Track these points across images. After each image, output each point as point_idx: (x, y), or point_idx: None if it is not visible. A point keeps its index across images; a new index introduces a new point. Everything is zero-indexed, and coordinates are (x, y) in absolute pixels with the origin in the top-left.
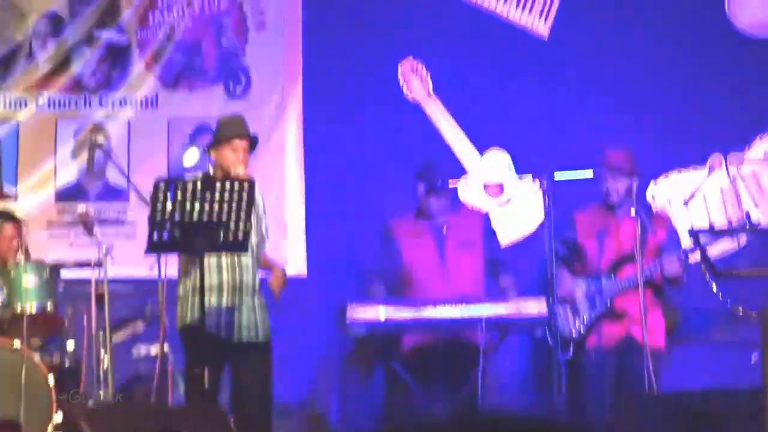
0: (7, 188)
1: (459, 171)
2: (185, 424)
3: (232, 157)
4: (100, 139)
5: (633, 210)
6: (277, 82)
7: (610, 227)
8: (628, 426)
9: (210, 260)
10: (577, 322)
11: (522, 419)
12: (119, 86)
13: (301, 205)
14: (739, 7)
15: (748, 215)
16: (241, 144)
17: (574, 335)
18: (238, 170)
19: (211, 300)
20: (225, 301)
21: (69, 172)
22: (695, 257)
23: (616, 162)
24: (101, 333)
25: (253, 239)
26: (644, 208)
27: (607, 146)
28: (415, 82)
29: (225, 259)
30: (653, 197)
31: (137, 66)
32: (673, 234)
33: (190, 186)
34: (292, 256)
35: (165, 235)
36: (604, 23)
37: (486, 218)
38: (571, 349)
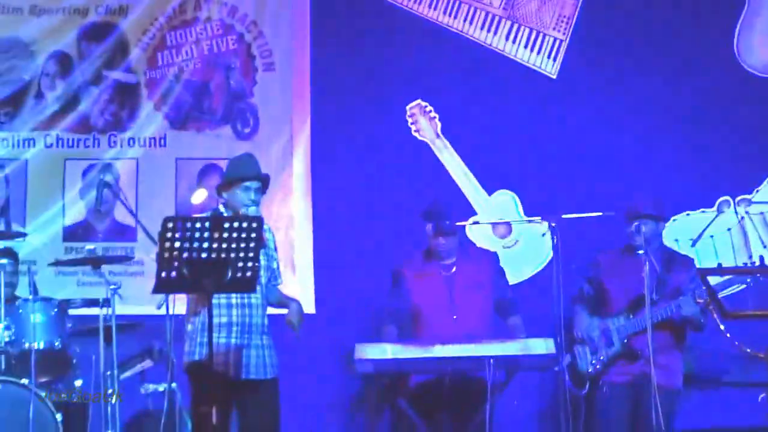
0: (16, 226)
1: (468, 211)
2: None
3: (244, 197)
4: (108, 178)
5: (642, 252)
6: (285, 123)
7: (631, 269)
8: None
9: (219, 299)
10: (593, 359)
11: None
12: (128, 126)
13: (309, 243)
14: (747, 47)
15: (762, 258)
16: (253, 184)
17: (590, 372)
18: (250, 211)
19: (219, 338)
20: (234, 339)
21: (77, 210)
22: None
23: (644, 207)
24: (109, 371)
25: (263, 278)
26: (667, 250)
27: (636, 191)
28: (424, 122)
29: (234, 298)
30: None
31: (146, 106)
32: (697, 274)
33: (198, 224)
34: (301, 295)
35: (173, 274)
36: (613, 64)
37: (495, 258)
38: (587, 385)
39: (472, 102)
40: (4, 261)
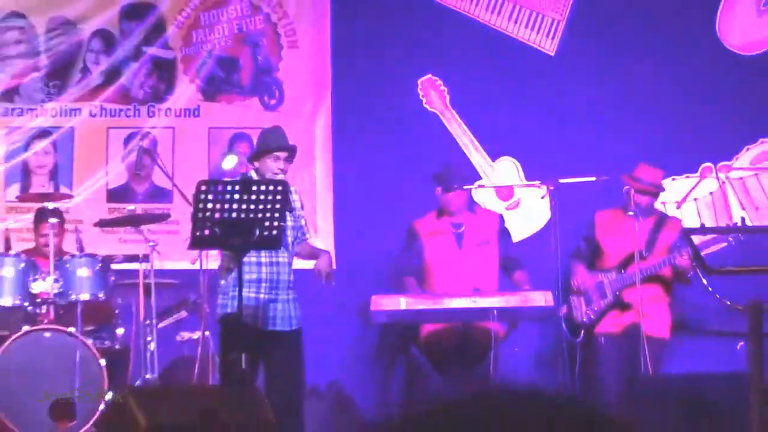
0: (64, 189)
1: (474, 176)
2: (223, 403)
3: (273, 166)
4: (147, 144)
5: (631, 213)
6: (307, 96)
7: (625, 229)
8: (631, 403)
9: (250, 257)
10: (588, 310)
11: (528, 390)
12: (165, 98)
13: (329, 206)
14: (728, 28)
15: (742, 219)
16: (281, 154)
17: (585, 321)
18: (278, 177)
19: (249, 293)
20: (262, 294)
21: (119, 174)
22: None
23: (648, 181)
24: (148, 320)
25: (290, 237)
26: (657, 212)
27: (642, 161)
28: (434, 95)
29: (263, 256)
30: None
31: (181, 79)
32: (683, 233)
33: (229, 187)
34: (322, 238)
35: (206, 233)
36: (606, 42)
37: (501, 219)
38: (582, 334)
39: (477, 76)
40: (54, 220)
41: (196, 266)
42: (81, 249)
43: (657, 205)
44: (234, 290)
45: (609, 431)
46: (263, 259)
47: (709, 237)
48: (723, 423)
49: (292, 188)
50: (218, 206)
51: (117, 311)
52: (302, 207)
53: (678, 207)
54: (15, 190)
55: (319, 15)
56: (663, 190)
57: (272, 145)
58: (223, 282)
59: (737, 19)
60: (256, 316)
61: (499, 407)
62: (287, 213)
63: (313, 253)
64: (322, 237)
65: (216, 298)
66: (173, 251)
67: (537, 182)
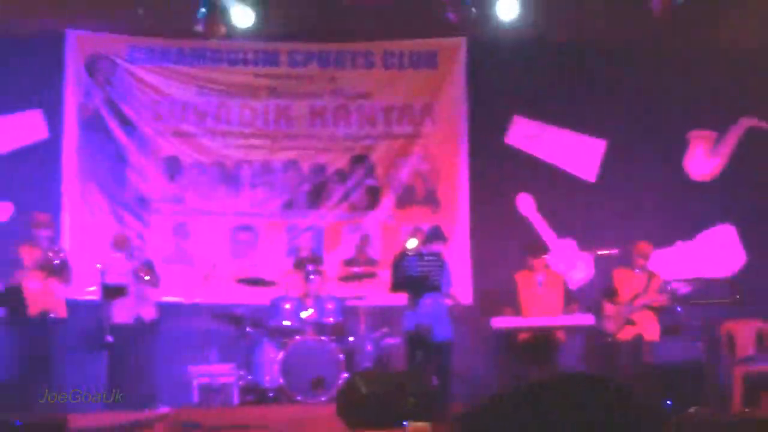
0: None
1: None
2: (407, 380)
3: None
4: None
5: (637, 270)
6: (453, 205)
7: (632, 279)
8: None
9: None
10: (613, 326)
11: (579, 375)
12: (372, 210)
13: (467, 258)
14: (692, 164)
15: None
16: (442, 241)
17: (612, 332)
18: (437, 252)
19: (422, 319)
20: (430, 318)
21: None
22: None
23: (645, 252)
24: (364, 333)
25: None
26: (648, 269)
27: (640, 240)
28: (526, 207)
29: (429, 296)
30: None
31: (384, 196)
32: (665, 283)
33: (408, 256)
34: (462, 288)
35: (401, 282)
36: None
37: (564, 277)
38: (610, 339)
39: (555, 190)
40: (313, 277)
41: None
42: (326, 291)
43: (649, 265)
44: (415, 316)
45: (639, 403)
46: (427, 297)
47: (677, 285)
48: None
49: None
50: (406, 267)
51: (349, 325)
52: (448, 269)
53: (663, 266)
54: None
55: (460, 169)
56: (649, 257)
57: (434, 235)
58: (408, 311)
59: (696, 159)
60: (432, 329)
61: (569, 383)
62: (441, 271)
63: (454, 298)
64: (463, 285)
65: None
66: (379, 295)
67: (585, 253)
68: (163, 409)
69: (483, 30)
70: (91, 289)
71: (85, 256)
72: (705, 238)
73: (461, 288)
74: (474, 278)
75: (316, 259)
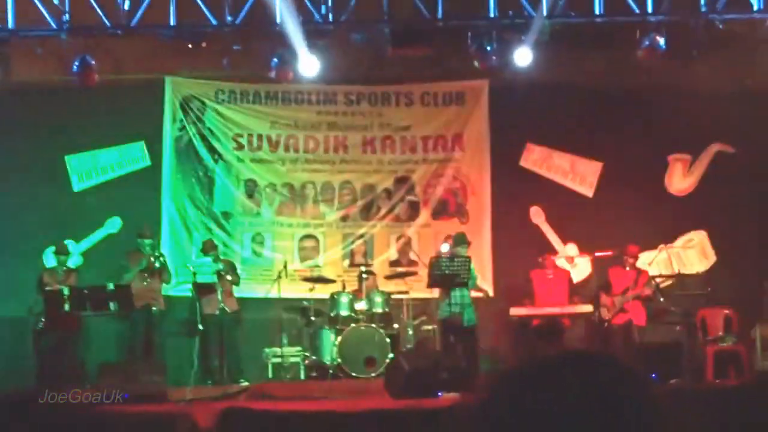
0: (369, 260)
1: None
2: (441, 357)
3: (461, 250)
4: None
5: (627, 268)
6: (480, 217)
7: (623, 275)
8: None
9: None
10: (608, 314)
11: (578, 352)
12: (414, 219)
13: (490, 258)
14: (669, 182)
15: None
16: (465, 247)
17: (608, 318)
18: (465, 254)
19: (453, 309)
20: (458, 308)
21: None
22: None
23: (633, 253)
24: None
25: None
26: (637, 267)
27: (630, 243)
28: (538, 217)
29: (458, 290)
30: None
31: (422, 210)
32: (650, 278)
33: (443, 258)
34: (486, 283)
35: (436, 279)
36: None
37: (569, 274)
38: (606, 324)
39: (562, 202)
40: (366, 276)
41: (431, 294)
42: (375, 287)
43: (637, 263)
44: (447, 306)
45: (631, 375)
46: (457, 291)
47: (660, 280)
48: None
49: (472, 264)
50: (439, 267)
51: (394, 315)
52: (474, 268)
53: (649, 265)
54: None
55: (485, 187)
56: (638, 257)
57: (460, 241)
58: (441, 303)
59: (674, 177)
60: (461, 317)
61: (573, 359)
62: (468, 271)
63: (480, 288)
64: (486, 273)
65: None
66: (418, 290)
67: (586, 255)
68: (244, 384)
69: (502, 74)
70: (185, 286)
71: (180, 260)
72: (682, 242)
73: (485, 283)
74: (495, 275)
75: (367, 261)
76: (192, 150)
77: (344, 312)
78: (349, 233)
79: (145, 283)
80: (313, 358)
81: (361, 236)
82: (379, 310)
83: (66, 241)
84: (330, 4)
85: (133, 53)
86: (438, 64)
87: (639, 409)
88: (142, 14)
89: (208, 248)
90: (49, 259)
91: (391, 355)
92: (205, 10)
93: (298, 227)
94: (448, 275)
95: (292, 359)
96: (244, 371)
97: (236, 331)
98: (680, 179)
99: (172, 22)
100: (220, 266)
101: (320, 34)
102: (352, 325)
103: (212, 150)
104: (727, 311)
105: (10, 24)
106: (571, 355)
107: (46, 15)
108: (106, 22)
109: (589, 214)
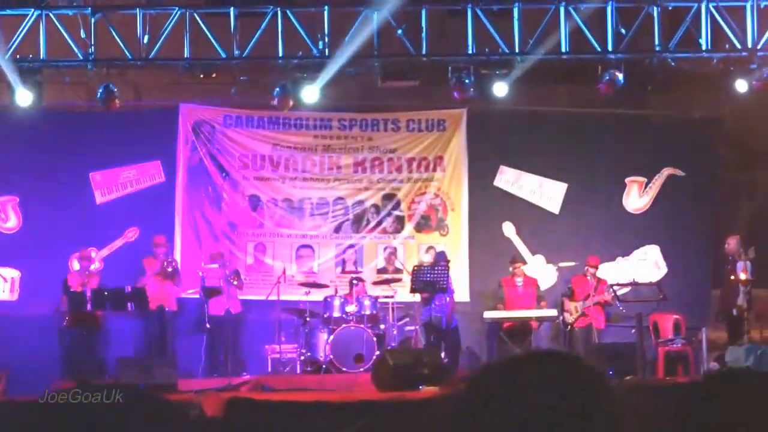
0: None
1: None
2: (422, 354)
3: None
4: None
5: (588, 276)
6: (460, 231)
7: (585, 283)
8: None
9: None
10: (571, 317)
11: (545, 350)
12: (400, 231)
13: (467, 267)
14: (628, 201)
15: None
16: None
17: (570, 321)
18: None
19: (434, 312)
20: (438, 313)
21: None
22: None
23: (594, 264)
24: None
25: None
26: (597, 276)
27: (591, 255)
28: (508, 229)
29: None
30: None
31: (408, 226)
32: (609, 286)
33: (424, 268)
34: (462, 290)
35: (417, 286)
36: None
37: (536, 281)
38: (569, 327)
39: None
40: (356, 283)
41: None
42: (364, 292)
43: (597, 273)
44: (428, 310)
45: (591, 372)
46: (437, 296)
47: (618, 288)
48: None
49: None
50: (420, 275)
51: (381, 316)
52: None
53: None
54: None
55: (462, 204)
56: (598, 267)
57: (441, 256)
58: (423, 307)
59: (631, 197)
60: (441, 320)
61: (540, 357)
62: (447, 278)
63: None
64: (462, 280)
65: (419, 313)
66: (402, 295)
67: (551, 264)
68: (246, 377)
69: (479, 104)
70: (194, 290)
71: (191, 266)
72: (637, 255)
73: (461, 289)
74: (471, 282)
75: (357, 269)
76: (202, 168)
77: (336, 313)
78: (341, 243)
79: (159, 287)
80: (308, 354)
81: (352, 246)
82: (367, 312)
83: (89, 248)
84: (327, 40)
85: (151, 82)
86: (422, 95)
87: (598, 401)
88: (159, 48)
89: (215, 256)
90: (74, 264)
91: (377, 353)
92: (216, 45)
93: (296, 238)
94: (429, 282)
95: (290, 355)
96: (246, 365)
97: (240, 330)
98: (636, 199)
99: (186, 55)
100: (226, 272)
101: (317, 68)
102: (343, 325)
103: (220, 168)
104: (676, 316)
105: (42, 55)
106: (539, 353)
107: (74, 47)
108: (128, 54)
109: (555, 228)
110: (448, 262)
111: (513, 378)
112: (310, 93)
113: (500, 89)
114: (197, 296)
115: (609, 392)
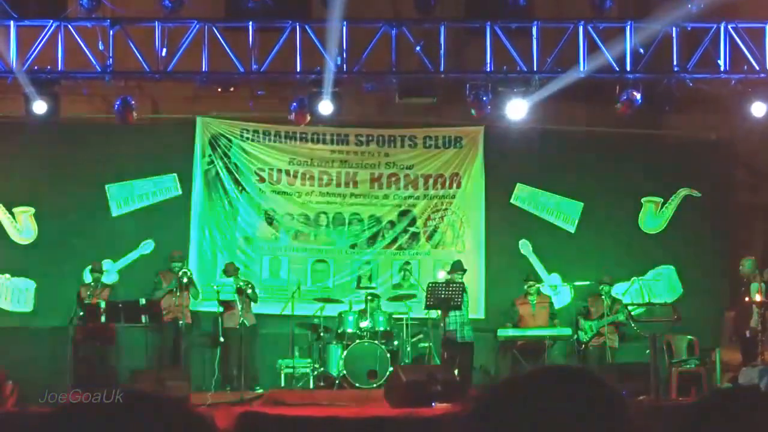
0: None
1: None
2: (436, 371)
3: (458, 276)
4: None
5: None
6: (474, 240)
7: (600, 303)
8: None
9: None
10: (586, 336)
11: (558, 367)
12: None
13: (483, 285)
14: (644, 221)
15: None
16: (460, 274)
17: (585, 340)
18: (459, 280)
19: (450, 327)
20: (456, 327)
21: None
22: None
23: (609, 283)
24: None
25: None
26: (611, 296)
27: (606, 274)
28: (525, 247)
29: (456, 311)
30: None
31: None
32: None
33: (439, 284)
34: (478, 306)
35: (430, 303)
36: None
37: (550, 299)
38: (583, 346)
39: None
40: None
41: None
42: (378, 308)
43: (612, 293)
44: (447, 325)
45: (605, 389)
46: (454, 312)
47: (632, 308)
48: None
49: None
50: (435, 292)
51: (395, 332)
52: (467, 292)
53: (623, 294)
54: None
55: (479, 221)
56: (613, 287)
57: (457, 267)
58: (442, 323)
59: (647, 217)
60: (455, 335)
61: (553, 372)
62: (461, 295)
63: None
64: (478, 297)
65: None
66: (417, 311)
67: (566, 283)
68: (259, 391)
69: (496, 122)
70: (210, 302)
71: (206, 279)
72: (652, 274)
73: (476, 306)
74: (486, 299)
75: (372, 285)
76: (219, 182)
77: (350, 329)
78: (356, 259)
79: (174, 299)
80: (322, 369)
81: (368, 262)
82: (381, 328)
83: (103, 261)
84: (345, 56)
85: (168, 95)
86: (439, 112)
87: (611, 419)
88: (177, 61)
89: (230, 269)
90: (86, 276)
91: (391, 369)
92: (234, 59)
93: (312, 252)
94: (444, 299)
95: (303, 370)
96: (259, 379)
97: (253, 344)
98: (652, 219)
99: (204, 69)
100: (241, 285)
101: (336, 83)
102: (357, 341)
103: (237, 182)
104: (690, 337)
105: (60, 67)
106: (552, 370)
107: (92, 60)
108: (146, 67)
109: (571, 247)
110: (464, 271)
111: (526, 395)
112: (327, 106)
113: (517, 109)
114: (212, 309)
115: (623, 409)
